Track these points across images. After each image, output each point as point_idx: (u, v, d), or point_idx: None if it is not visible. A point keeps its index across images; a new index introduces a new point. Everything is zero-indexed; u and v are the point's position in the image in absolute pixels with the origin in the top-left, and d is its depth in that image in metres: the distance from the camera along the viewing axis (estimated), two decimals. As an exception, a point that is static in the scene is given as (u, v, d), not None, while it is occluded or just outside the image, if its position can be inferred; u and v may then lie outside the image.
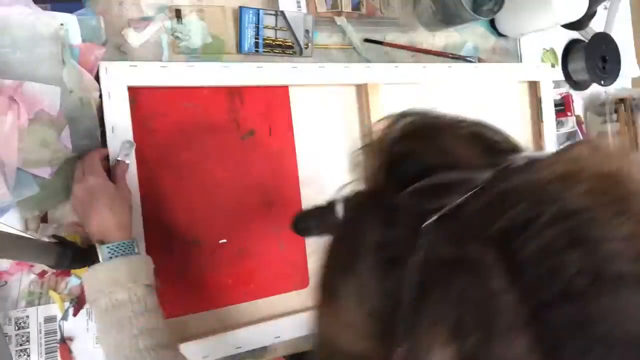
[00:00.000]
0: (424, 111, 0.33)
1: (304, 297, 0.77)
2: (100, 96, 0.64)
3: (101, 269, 0.53)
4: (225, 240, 0.72)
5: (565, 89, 1.08)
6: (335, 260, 0.31)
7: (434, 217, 0.26)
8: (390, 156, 0.31)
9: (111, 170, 0.61)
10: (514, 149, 0.31)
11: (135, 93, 0.66)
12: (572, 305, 0.22)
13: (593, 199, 0.24)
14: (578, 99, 1.12)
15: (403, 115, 0.33)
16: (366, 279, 0.27)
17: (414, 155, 0.30)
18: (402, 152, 0.31)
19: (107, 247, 0.53)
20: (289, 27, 0.77)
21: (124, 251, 0.54)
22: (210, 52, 0.73)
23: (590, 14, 1.07)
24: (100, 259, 0.53)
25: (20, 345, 0.61)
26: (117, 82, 0.64)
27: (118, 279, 0.52)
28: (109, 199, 0.55)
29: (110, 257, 0.53)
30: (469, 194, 0.26)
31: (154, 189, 0.68)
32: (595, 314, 0.22)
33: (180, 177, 0.70)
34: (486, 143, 0.31)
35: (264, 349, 0.74)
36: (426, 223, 0.26)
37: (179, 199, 0.70)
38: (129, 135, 0.64)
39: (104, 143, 0.64)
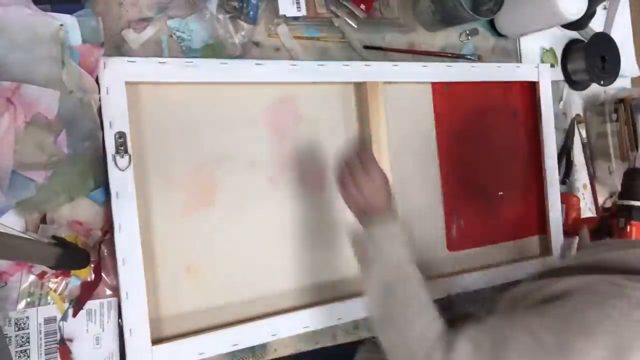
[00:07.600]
0: None
1: (304, 297, 0.77)
2: (100, 99, 0.64)
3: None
4: (502, 193, 0.96)
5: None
6: None
7: None
8: None
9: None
10: None
11: (133, 88, 0.66)
12: None
13: None
14: (578, 99, 1.12)
15: None
16: None
17: None
18: None
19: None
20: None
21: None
22: (210, 53, 0.73)
23: (589, 14, 1.07)
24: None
25: (20, 346, 0.61)
26: (115, 77, 0.64)
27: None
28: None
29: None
30: None
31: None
32: None
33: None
34: None
35: (263, 347, 0.74)
36: None
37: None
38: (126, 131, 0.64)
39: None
